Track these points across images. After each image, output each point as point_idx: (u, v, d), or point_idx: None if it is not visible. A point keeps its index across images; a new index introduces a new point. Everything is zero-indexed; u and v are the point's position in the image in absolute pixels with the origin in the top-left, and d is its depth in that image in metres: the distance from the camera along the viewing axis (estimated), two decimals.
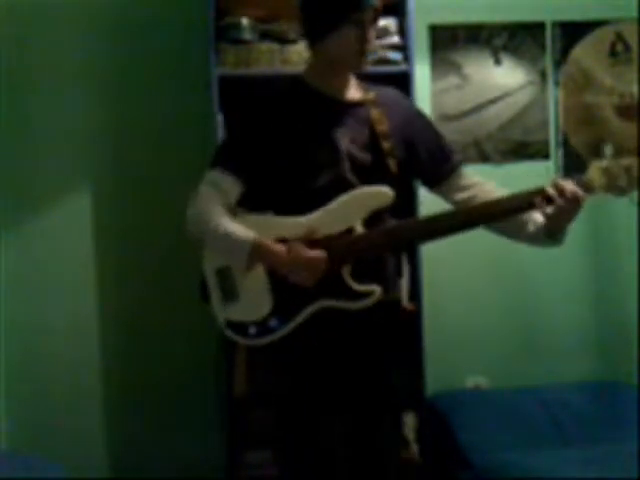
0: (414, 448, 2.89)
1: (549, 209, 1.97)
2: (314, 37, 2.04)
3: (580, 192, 1.95)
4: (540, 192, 1.98)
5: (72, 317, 3.11)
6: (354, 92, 2.11)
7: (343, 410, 2.09)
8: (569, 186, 1.95)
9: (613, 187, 2.00)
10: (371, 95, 2.10)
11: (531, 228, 2.07)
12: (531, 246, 2.12)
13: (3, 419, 3.05)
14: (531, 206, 2.00)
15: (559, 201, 1.95)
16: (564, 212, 1.97)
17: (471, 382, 3.30)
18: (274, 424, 2.17)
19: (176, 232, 3.08)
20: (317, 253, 1.94)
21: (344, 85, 2.09)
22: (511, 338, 3.34)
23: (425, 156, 2.12)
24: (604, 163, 2.01)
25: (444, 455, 2.97)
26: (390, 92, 2.17)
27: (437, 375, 3.06)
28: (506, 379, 3.30)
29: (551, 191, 1.96)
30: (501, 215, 2.04)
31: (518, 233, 2.10)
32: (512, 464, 2.70)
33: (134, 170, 3.14)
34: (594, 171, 2.01)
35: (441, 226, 2.03)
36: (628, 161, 2.00)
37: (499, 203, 2.03)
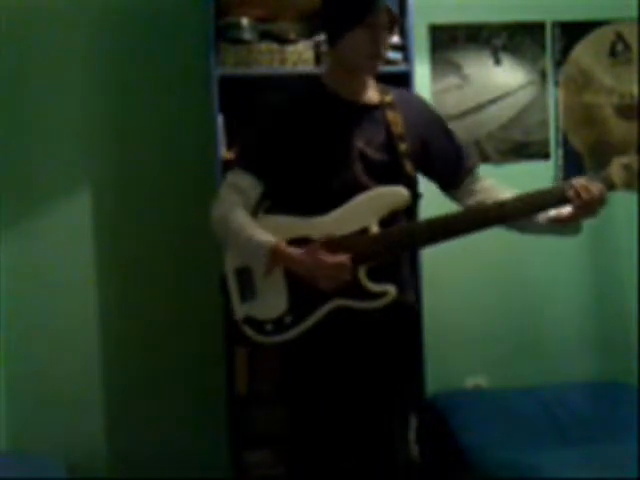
0: (414, 448, 2.88)
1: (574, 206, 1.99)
2: (330, 40, 2.07)
3: (605, 192, 1.96)
4: (570, 188, 1.98)
5: (72, 317, 3.11)
6: (371, 94, 2.13)
7: (354, 410, 2.09)
8: (597, 187, 1.96)
9: (634, 184, 2.00)
10: (388, 97, 2.12)
11: (541, 219, 2.06)
12: (545, 236, 2.11)
13: (3, 419, 3.05)
14: (563, 201, 1.99)
15: (587, 200, 1.95)
16: (587, 210, 1.98)
17: (471, 382, 3.31)
18: (286, 423, 2.19)
19: (176, 232, 3.12)
20: (341, 259, 1.95)
21: (361, 87, 2.11)
22: (511, 338, 3.34)
23: (440, 159, 2.14)
24: (625, 159, 2.00)
25: (444, 455, 2.97)
26: (408, 95, 2.22)
27: (437, 375, 3.06)
28: (506, 379, 3.30)
29: (582, 190, 1.96)
30: (528, 213, 2.02)
31: (529, 225, 2.09)
32: (512, 464, 2.69)
33: (134, 170, 3.13)
34: (616, 167, 2.00)
35: (461, 225, 2.03)
36: None
37: (525, 201, 2.01)
